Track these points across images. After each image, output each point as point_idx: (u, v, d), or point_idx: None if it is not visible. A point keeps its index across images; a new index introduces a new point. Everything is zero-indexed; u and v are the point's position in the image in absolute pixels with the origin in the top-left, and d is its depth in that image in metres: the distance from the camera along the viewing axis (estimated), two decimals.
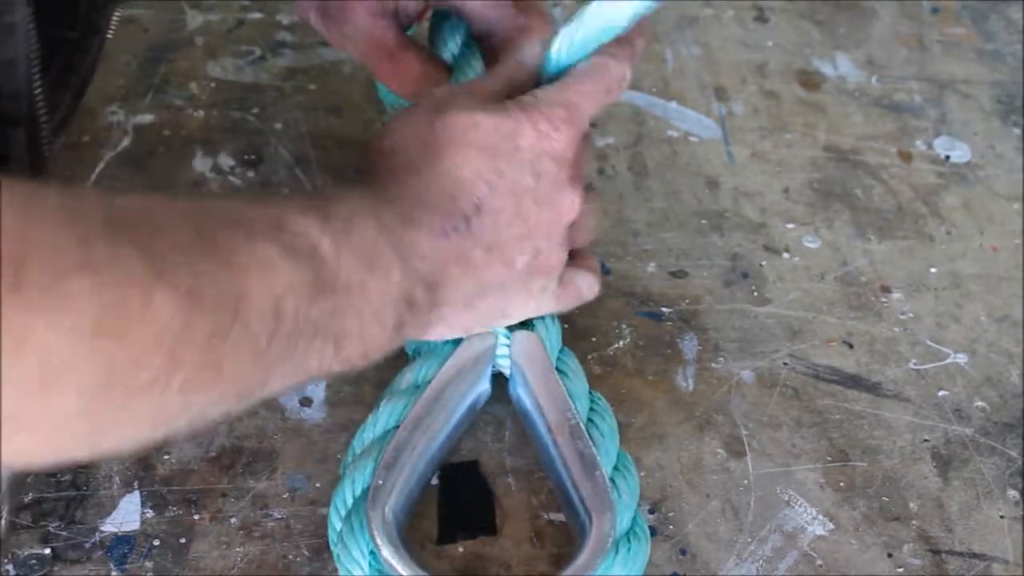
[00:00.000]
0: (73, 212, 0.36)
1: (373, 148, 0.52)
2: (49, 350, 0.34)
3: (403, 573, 0.49)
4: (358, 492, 0.52)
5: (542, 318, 0.57)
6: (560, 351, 0.57)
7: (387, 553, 0.49)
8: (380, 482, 0.51)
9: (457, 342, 0.55)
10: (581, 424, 0.53)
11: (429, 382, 0.55)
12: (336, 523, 0.51)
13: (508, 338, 0.56)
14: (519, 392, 0.56)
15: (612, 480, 0.53)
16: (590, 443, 0.53)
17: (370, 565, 0.50)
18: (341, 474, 0.53)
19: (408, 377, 0.56)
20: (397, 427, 0.53)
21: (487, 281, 0.51)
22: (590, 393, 0.56)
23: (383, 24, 0.59)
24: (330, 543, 0.52)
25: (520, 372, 0.55)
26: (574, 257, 0.55)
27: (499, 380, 0.57)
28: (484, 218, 0.50)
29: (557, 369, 0.56)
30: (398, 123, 0.52)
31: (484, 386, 0.56)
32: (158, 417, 0.39)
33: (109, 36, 0.61)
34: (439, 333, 0.53)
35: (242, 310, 0.39)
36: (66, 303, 0.34)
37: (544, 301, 0.55)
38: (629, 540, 0.51)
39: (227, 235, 0.40)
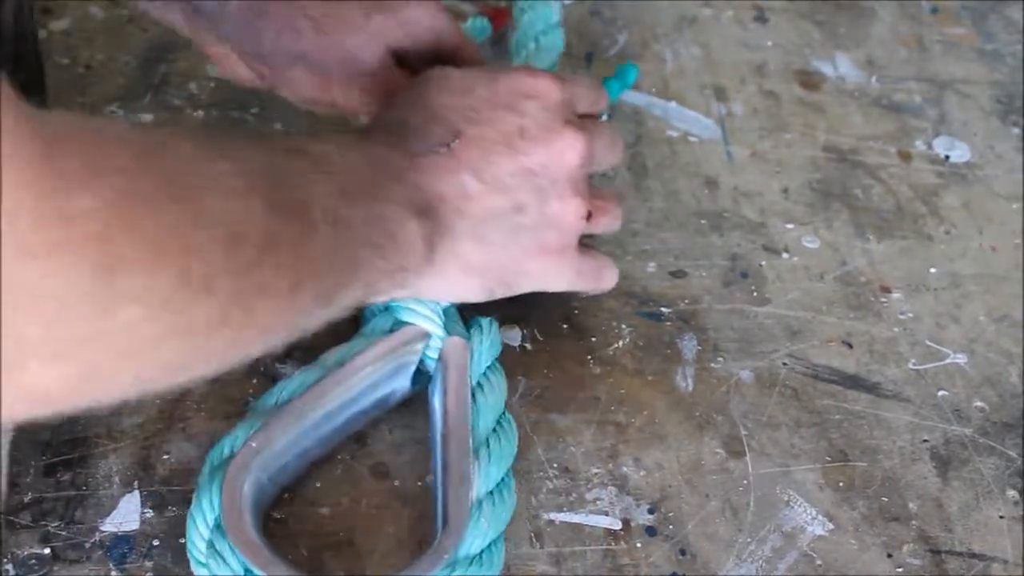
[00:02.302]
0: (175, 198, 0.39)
1: (375, 120, 0.56)
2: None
3: (239, 539, 0.48)
4: (234, 449, 0.51)
5: (481, 328, 0.57)
6: (490, 366, 0.57)
7: (232, 521, 0.49)
8: (253, 445, 0.51)
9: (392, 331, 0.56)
10: (469, 440, 0.53)
11: None
12: (202, 478, 0.51)
13: (442, 341, 0.55)
14: (434, 393, 0.55)
15: (480, 503, 0.52)
16: (470, 461, 0.52)
17: (215, 524, 0.49)
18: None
19: (334, 356, 0.55)
20: None
21: (491, 211, 0.53)
22: (503, 415, 0.56)
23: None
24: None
25: (439, 375, 0.55)
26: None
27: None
28: (465, 143, 0.53)
29: (477, 383, 0.55)
30: (396, 96, 0.57)
31: (403, 382, 0.56)
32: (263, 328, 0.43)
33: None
34: (465, 277, 0.54)
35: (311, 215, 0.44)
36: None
37: (564, 269, 0.56)
38: (470, 564, 0.50)
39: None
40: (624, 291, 0.64)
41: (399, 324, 0.56)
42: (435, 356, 0.56)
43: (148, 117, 0.71)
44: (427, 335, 0.55)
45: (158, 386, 0.42)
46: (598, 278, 0.59)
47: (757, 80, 0.78)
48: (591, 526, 0.55)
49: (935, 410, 0.61)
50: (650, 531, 0.55)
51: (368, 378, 0.55)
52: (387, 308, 0.56)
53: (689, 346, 0.62)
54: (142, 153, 0.38)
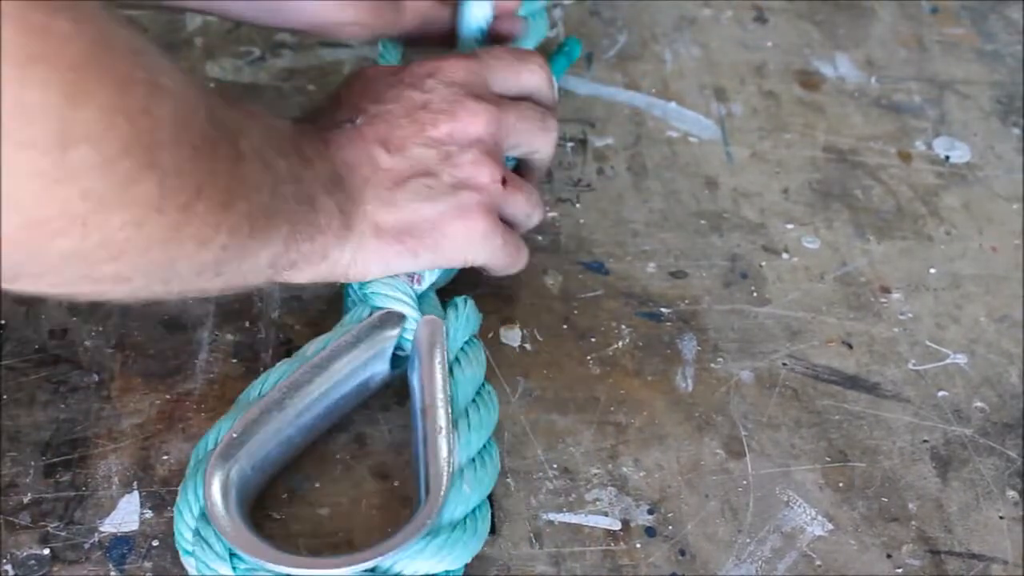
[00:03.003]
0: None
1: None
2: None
3: (223, 525, 0.49)
4: (218, 441, 0.52)
5: (456, 306, 0.58)
6: (468, 341, 0.58)
7: (216, 508, 0.49)
8: (235, 435, 0.51)
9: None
10: (446, 410, 0.53)
11: None
12: (188, 470, 0.52)
13: (416, 322, 0.56)
14: (412, 372, 0.56)
15: (462, 470, 0.52)
16: (448, 429, 0.53)
17: (200, 513, 0.50)
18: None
19: (313, 346, 0.56)
20: None
21: (400, 178, 0.54)
22: (482, 386, 0.56)
23: None
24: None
25: (416, 354, 0.56)
26: None
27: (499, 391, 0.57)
28: (370, 119, 0.55)
29: (455, 358, 0.56)
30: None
31: (382, 366, 0.56)
32: (197, 235, 0.44)
33: None
34: (381, 243, 0.55)
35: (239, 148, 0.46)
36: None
37: (488, 234, 0.56)
38: (453, 530, 0.51)
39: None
40: (624, 291, 0.64)
41: (375, 311, 0.56)
42: (411, 338, 0.56)
43: None
44: (402, 318, 0.56)
45: (96, 277, 0.43)
46: (517, 255, 0.59)
47: (757, 80, 0.78)
48: (590, 527, 0.55)
49: (935, 410, 0.61)
50: (650, 532, 0.54)
51: (347, 364, 0.55)
52: (364, 298, 0.57)
53: (689, 346, 0.62)
54: (112, 20, 0.40)
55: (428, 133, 0.55)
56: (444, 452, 0.52)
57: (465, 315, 0.58)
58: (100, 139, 0.37)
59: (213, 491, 0.50)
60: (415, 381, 0.55)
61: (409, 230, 0.55)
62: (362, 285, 0.57)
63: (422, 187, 0.55)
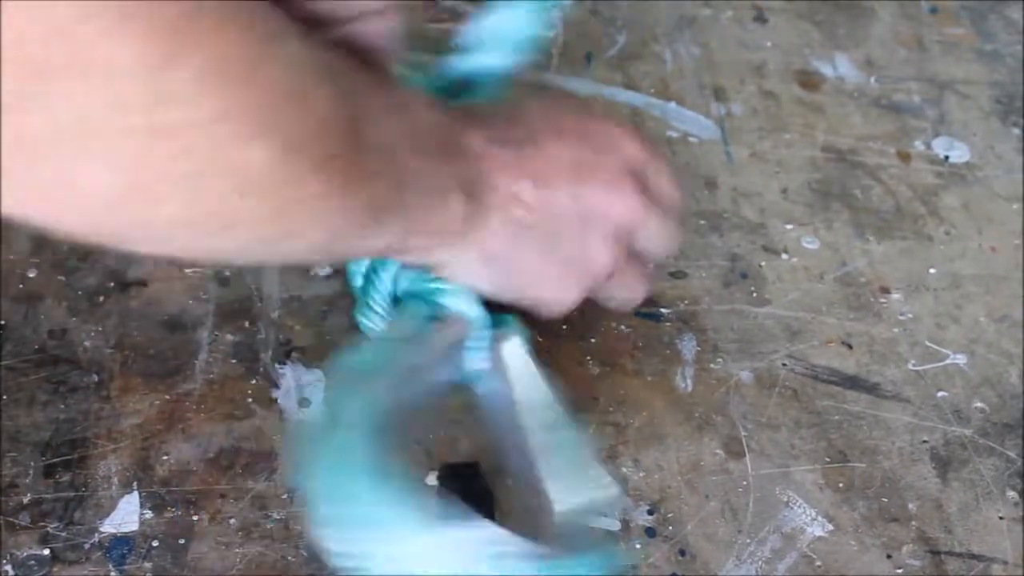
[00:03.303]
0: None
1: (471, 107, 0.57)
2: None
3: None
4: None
5: (511, 325, 0.57)
6: None
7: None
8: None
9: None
10: (565, 415, 0.53)
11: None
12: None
13: (492, 333, 0.55)
14: (493, 385, 0.55)
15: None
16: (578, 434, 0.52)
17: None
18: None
19: (399, 330, 0.55)
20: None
21: (531, 223, 0.53)
22: None
23: None
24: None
25: (501, 368, 0.55)
26: None
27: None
28: (537, 153, 0.53)
29: None
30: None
31: (456, 373, 0.55)
32: (311, 215, 0.43)
33: None
34: (484, 265, 0.54)
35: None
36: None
37: (563, 310, 0.56)
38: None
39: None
40: None
41: (438, 309, 0.54)
42: (482, 347, 0.55)
43: None
44: (469, 324, 0.55)
45: (209, 248, 0.42)
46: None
47: (757, 80, 0.78)
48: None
49: (935, 411, 0.61)
50: (649, 532, 0.55)
51: (447, 361, 0.54)
52: (416, 294, 0.55)
53: (688, 347, 0.62)
54: None
55: (579, 189, 0.53)
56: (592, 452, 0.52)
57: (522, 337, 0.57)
58: (197, 100, 0.36)
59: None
60: (502, 396, 0.54)
61: (514, 271, 0.54)
62: (428, 277, 0.55)
63: (547, 238, 0.53)
